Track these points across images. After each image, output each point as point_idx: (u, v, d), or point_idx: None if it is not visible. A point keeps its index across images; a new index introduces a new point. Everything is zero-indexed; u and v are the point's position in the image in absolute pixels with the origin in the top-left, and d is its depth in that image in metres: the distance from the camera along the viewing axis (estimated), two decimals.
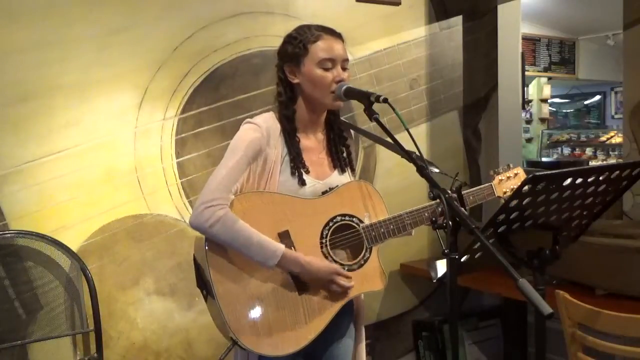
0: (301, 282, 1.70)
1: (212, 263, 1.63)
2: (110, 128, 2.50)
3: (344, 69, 1.73)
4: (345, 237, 1.77)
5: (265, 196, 1.70)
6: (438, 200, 1.43)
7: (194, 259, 1.75)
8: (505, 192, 1.99)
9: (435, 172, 1.87)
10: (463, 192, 1.82)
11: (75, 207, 2.43)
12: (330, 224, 1.75)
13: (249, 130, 1.71)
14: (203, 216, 1.61)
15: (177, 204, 2.63)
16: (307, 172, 1.75)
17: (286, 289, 1.68)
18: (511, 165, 2.04)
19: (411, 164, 1.55)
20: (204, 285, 1.70)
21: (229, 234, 1.62)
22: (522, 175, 2.04)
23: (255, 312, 1.64)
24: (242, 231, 1.62)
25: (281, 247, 1.64)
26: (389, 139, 1.63)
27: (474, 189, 1.94)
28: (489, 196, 1.97)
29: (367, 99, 1.62)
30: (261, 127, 1.70)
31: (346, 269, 1.74)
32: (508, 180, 2.01)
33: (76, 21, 2.41)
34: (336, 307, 1.73)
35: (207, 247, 1.64)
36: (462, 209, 1.74)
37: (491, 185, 1.98)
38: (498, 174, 2.00)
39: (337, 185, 1.78)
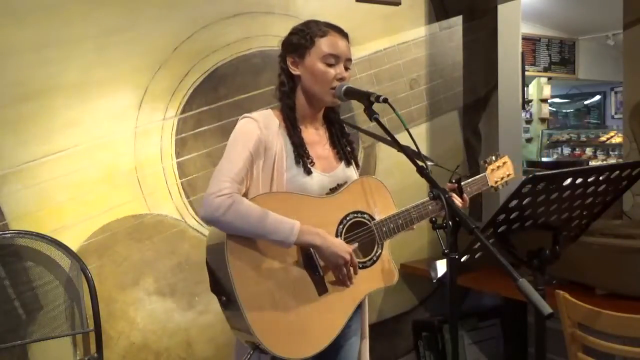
0: (320, 282, 1.66)
1: (233, 267, 1.57)
2: (110, 128, 2.50)
3: (346, 68, 1.73)
4: (358, 234, 1.74)
5: (278, 197, 1.67)
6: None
7: (207, 264, 1.69)
8: (496, 182, 2.00)
9: (431, 165, 1.86)
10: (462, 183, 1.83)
11: (75, 207, 2.43)
12: (344, 222, 1.72)
13: (246, 123, 1.71)
14: (213, 205, 1.56)
15: (177, 204, 2.63)
16: (312, 164, 1.72)
17: (307, 290, 1.65)
18: (500, 154, 2.04)
19: (411, 164, 1.55)
20: (222, 290, 1.63)
21: (242, 218, 1.56)
22: (509, 164, 2.04)
23: (278, 317, 1.60)
24: (254, 212, 1.57)
25: (297, 221, 1.60)
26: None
27: (469, 180, 1.94)
28: (484, 186, 1.97)
29: (367, 99, 1.62)
30: (258, 120, 1.70)
31: (360, 266, 1.72)
32: (498, 170, 2.01)
33: (76, 21, 2.42)
34: (352, 307, 1.71)
35: (228, 252, 1.57)
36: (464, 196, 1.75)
37: (485, 175, 1.98)
38: (490, 163, 2.00)
39: (346, 181, 1.77)
